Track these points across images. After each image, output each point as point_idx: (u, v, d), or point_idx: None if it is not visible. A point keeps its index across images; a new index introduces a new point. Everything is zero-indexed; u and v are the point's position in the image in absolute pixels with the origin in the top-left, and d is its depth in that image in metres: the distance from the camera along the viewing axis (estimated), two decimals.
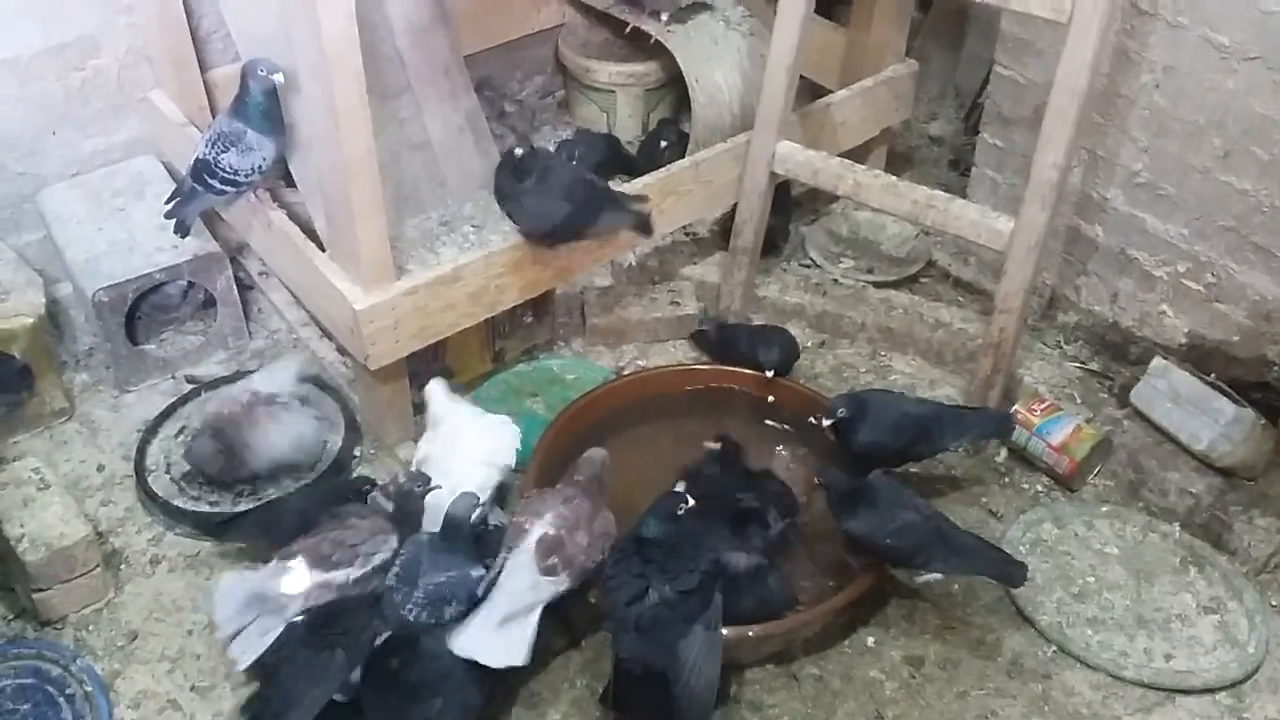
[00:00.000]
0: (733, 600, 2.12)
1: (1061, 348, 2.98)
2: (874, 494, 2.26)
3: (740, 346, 2.78)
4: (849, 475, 2.32)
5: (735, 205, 2.94)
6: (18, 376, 2.65)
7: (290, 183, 2.72)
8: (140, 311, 2.84)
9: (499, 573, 2.11)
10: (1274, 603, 2.39)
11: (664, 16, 3.22)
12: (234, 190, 2.52)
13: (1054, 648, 2.30)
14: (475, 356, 2.82)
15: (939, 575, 2.35)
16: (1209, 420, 2.53)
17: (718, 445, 2.42)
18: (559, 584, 2.12)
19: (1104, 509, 2.57)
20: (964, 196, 2.94)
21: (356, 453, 2.67)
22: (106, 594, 2.34)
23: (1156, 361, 2.66)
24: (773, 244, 3.12)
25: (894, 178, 2.73)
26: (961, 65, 3.84)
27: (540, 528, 2.14)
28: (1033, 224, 2.48)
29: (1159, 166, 2.69)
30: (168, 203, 2.62)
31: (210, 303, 2.90)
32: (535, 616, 2.08)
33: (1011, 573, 2.26)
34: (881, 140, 3.40)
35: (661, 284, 3.10)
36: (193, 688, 2.19)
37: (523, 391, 2.80)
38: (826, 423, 2.45)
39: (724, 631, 2.06)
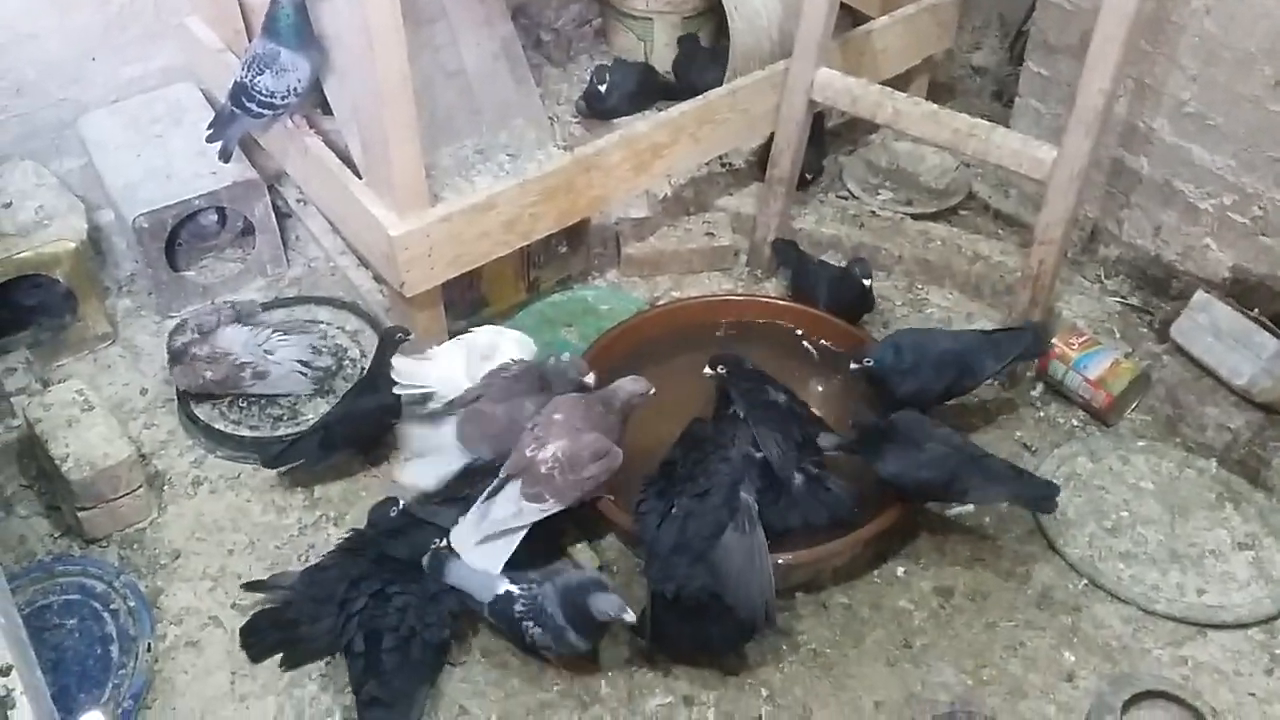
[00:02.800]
0: (797, 505, 2.20)
1: (1102, 282, 2.94)
2: (900, 432, 2.25)
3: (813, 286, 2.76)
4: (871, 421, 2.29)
5: (772, 135, 2.91)
6: (61, 300, 2.70)
7: (327, 110, 2.71)
8: (180, 238, 2.87)
9: (497, 492, 2.16)
10: None
11: None
12: (271, 113, 2.53)
13: (1085, 581, 2.30)
14: (510, 286, 2.83)
15: (970, 507, 2.35)
16: (1250, 355, 2.49)
17: (720, 370, 2.39)
18: (547, 508, 2.16)
19: (1140, 444, 2.55)
20: (1007, 127, 2.88)
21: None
22: (150, 514, 2.40)
23: (1199, 295, 2.61)
24: (805, 176, 3.09)
25: (934, 105, 2.68)
26: None
27: (539, 457, 2.16)
28: (1076, 152, 2.44)
29: (1207, 95, 2.62)
30: (209, 128, 2.63)
31: (249, 230, 2.93)
32: (517, 536, 2.15)
33: (1043, 497, 2.25)
34: (923, 69, 3.34)
35: (696, 215, 3.08)
36: (233, 605, 2.25)
37: (557, 321, 2.81)
38: (854, 368, 2.44)
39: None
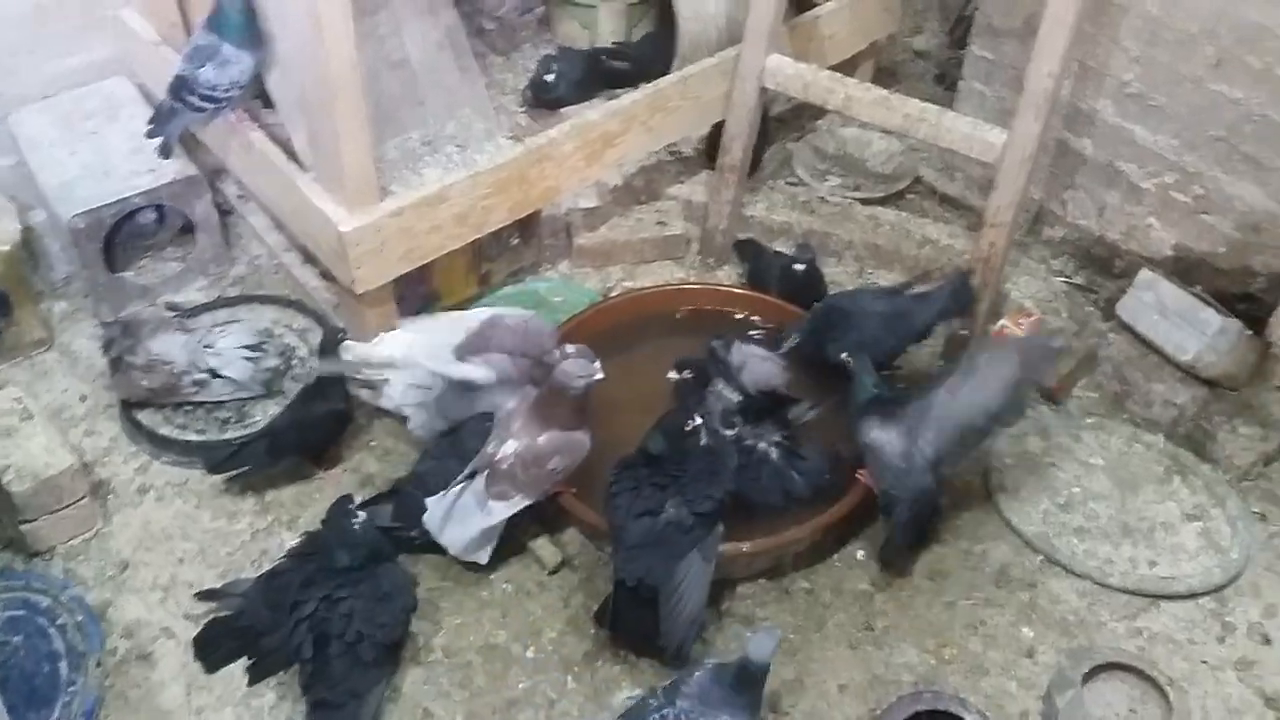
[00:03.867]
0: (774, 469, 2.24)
1: (1047, 262, 2.98)
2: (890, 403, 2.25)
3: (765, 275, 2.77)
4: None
5: (720, 122, 2.90)
6: None
7: (268, 104, 2.65)
8: (118, 238, 2.78)
9: (459, 489, 2.17)
10: (1256, 509, 2.42)
11: None
12: (213, 107, 2.47)
13: (1040, 557, 2.33)
14: (461, 279, 2.79)
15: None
16: (1195, 331, 2.54)
17: (685, 374, 2.39)
18: (514, 505, 2.17)
19: (1089, 421, 2.59)
20: (952, 111, 2.90)
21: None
22: (95, 524, 2.33)
23: (1144, 274, 2.66)
24: (754, 164, 3.09)
25: (884, 91, 2.69)
26: None
27: (501, 454, 2.16)
28: (1026, 136, 2.46)
29: (1150, 76, 2.66)
30: (149, 123, 2.56)
31: (189, 228, 2.85)
32: (494, 530, 2.19)
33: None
34: (869, 54, 3.35)
35: (648, 204, 3.07)
36: (185, 615, 2.20)
37: None
38: (782, 351, 2.44)
39: (719, 548, 2.09)
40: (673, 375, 2.38)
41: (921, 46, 3.75)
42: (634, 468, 2.10)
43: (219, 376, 2.49)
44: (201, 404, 2.51)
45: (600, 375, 2.19)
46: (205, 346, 2.49)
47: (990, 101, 3.07)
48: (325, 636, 1.95)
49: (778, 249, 2.89)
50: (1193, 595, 2.26)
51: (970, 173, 3.13)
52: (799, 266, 2.68)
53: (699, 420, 2.14)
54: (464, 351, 2.38)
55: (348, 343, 2.43)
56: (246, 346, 2.53)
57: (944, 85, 3.52)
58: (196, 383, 2.47)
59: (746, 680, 1.84)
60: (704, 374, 2.39)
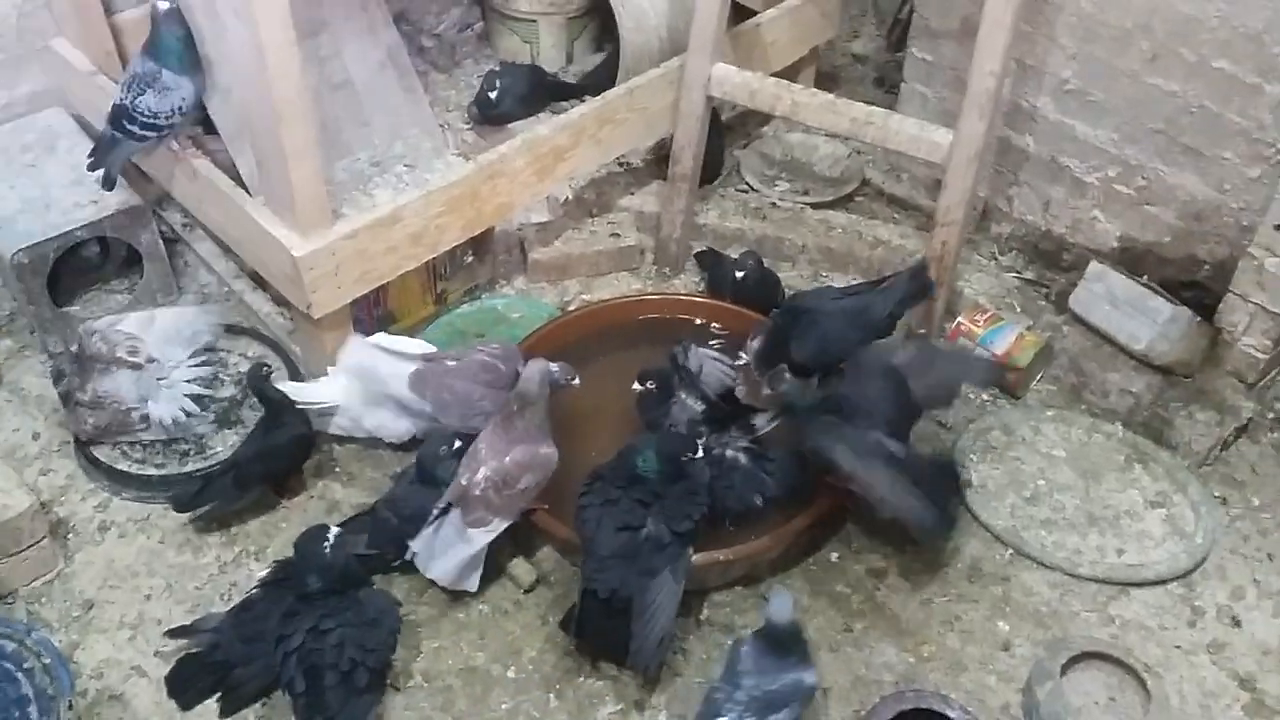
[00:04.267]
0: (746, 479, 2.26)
1: (997, 258, 3.03)
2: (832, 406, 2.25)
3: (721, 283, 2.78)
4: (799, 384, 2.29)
5: (670, 133, 2.91)
6: None
7: (210, 129, 2.61)
8: (62, 272, 2.71)
9: (437, 523, 2.16)
10: (1217, 494, 2.48)
11: None
12: (155, 135, 2.42)
13: (1010, 551, 2.36)
14: (417, 300, 2.77)
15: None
16: (1147, 320, 2.59)
17: (649, 385, 2.38)
18: (494, 529, 2.17)
19: (1049, 413, 2.63)
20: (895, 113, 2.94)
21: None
22: (56, 564, 2.27)
23: (1093, 266, 2.71)
24: (711, 171, 3.10)
25: (831, 96, 2.71)
26: None
27: (472, 482, 2.15)
28: (972, 135, 2.50)
29: (1087, 72, 2.72)
30: (90, 155, 2.51)
31: (134, 259, 2.79)
32: (479, 557, 2.19)
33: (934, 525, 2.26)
34: (810, 60, 3.38)
35: (600, 216, 3.06)
36: (156, 653, 2.15)
37: (468, 333, 2.76)
38: (743, 362, 2.40)
39: (694, 558, 2.09)
40: (636, 387, 2.38)
41: (859, 51, 3.79)
42: (609, 481, 2.09)
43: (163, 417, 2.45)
44: (158, 438, 2.45)
45: (576, 380, 2.26)
46: (156, 388, 2.43)
47: (932, 103, 3.11)
48: (317, 668, 1.91)
49: (735, 257, 2.90)
50: (1161, 581, 2.31)
51: (916, 173, 3.17)
52: (740, 274, 2.70)
53: (699, 454, 2.16)
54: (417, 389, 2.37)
55: (286, 384, 2.42)
56: (195, 382, 2.49)
57: (884, 88, 3.56)
58: (144, 418, 2.42)
59: (782, 641, 1.94)
60: (668, 384, 2.38)
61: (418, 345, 2.47)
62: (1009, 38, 2.42)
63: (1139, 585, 2.30)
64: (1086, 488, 2.47)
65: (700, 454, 2.16)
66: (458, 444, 2.24)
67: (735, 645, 2.00)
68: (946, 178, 2.57)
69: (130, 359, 2.42)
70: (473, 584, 2.21)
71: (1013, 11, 2.39)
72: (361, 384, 2.42)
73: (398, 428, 2.44)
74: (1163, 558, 2.33)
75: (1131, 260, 2.78)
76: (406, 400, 2.38)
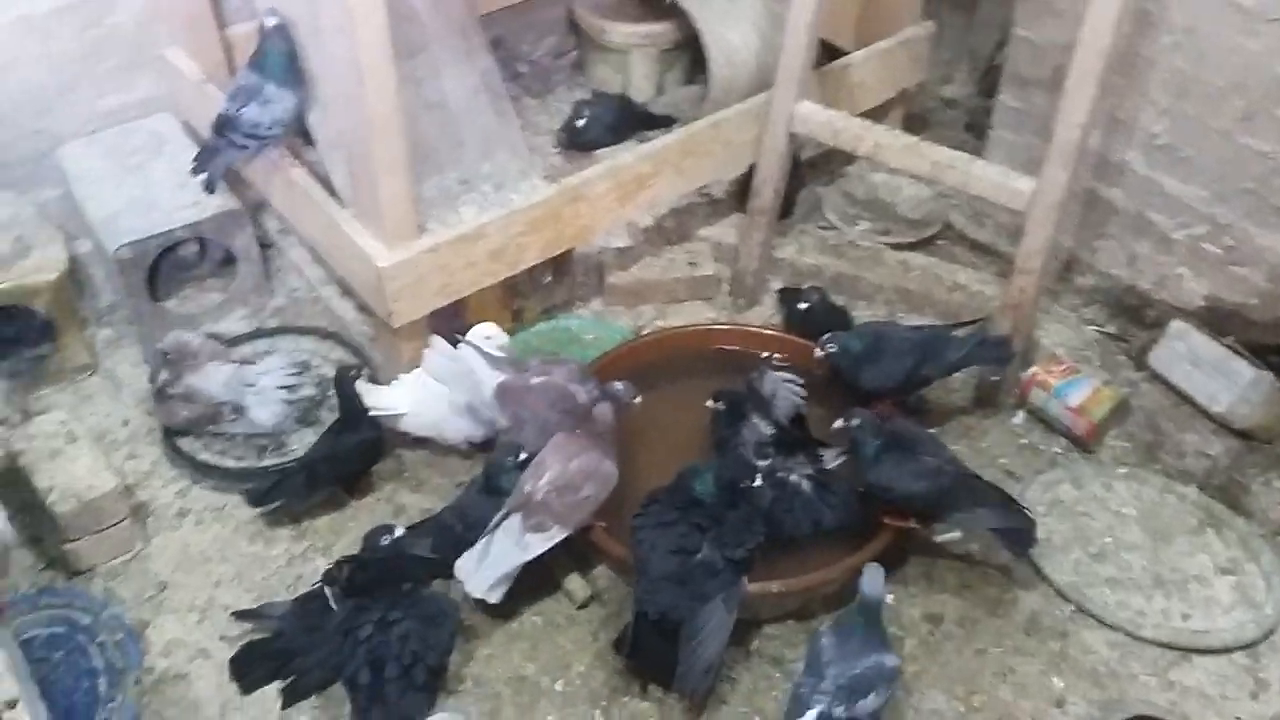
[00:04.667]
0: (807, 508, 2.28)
1: (1078, 311, 2.99)
2: (898, 441, 2.26)
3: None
4: (875, 420, 2.29)
5: (752, 166, 2.94)
6: (40, 331, 2.68)
7: (308, 141, 2.72)
8: (161, 268, 2.84)
9: (498, 527, 2.19)
10: None
11: None
12: (256, 144, 2.53)
13: (1072, 607, 2.32)
14: (495, 315, 2.82)
15: (957, 534, 2.37)
16: (1227, 382, 2.54)
17: (720, 404, 2.43)
18: (552, 537, 2.19)
19: (1122, 470, 2.59)
20: (980, 158, 2.93)
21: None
22: (135, 545, 2.37)
23: (1175, 324, 2.67)
24: (786, 207, 3.13)
25: (914, 138, 2.73)
26: (975, 28, 3.82)
27: (536, 486, 2.19)
28: (1054, 184, 2.49)
29: (1179, 129, 2.69)
30: (194, 161, 2.63)
31: (230, 260, 2.91)
32: (515, 571, 2.20)
33: (1023, 531, 2.28)
34: (898, 102, 3.39)
35: (679, 244, 3.10)
36: (221, 637, 2.22)
37: (542, 351, 2.81)
38: (820, 354, 2.48)
39: (748, 588, 2.10)
40: (710, 404, 2.42)
41: (951, 95, 3.79)
42: (666, 504, 2.12)
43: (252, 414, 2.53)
44: (239, 431, 2.55)
45: (637, 399, 2.34)
46: (246, 385, 2.53)
47: (1019, 150, 3.10)
48: (380, 660, 1.96)
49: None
50: (1226, 650, 2.25)
51: (1000, 219, 3.15)
52: (804, 305, 2.73)
53: (759, 482, 2.19)
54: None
55: (364, 384, 2.48)
56: (284, 387, 2.57)
57: (973, 133, 3.55)
58: (236, 411, 2.51)
59: (871, 617, 2.00)
60: (739, 407, 2.41)
61: (505, 346, 2.51)
62: (1097, 89, 2.40)
63: (1202, 653, 2.24)
64: (1155, 549, 2.43)
65: (759, 482, 2.18)
66: (523, 455, 2.29)
67: (814, 638, 2.04)
68: (1027, 225, 2.56)
69: (222, 358, 2.52)
70: (497, 597, 2.20)
71: (1103, 63, 2.38)
72: (449, 382, 2.47)
73: (462, 429, 2.50)
74: (1229, 626, 2.28)
75: (1216, 320, 2.73)
76: (484, 406, 2.42)
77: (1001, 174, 2.61)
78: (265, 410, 2.53)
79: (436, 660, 2.04)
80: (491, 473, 2.30)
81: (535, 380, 2.41)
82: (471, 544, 2.23)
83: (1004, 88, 3.12)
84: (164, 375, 2.50)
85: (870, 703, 1.96)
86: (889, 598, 2.21)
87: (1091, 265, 3.01)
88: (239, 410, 2.51)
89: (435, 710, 2.05)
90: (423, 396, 2.51)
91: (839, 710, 1.94)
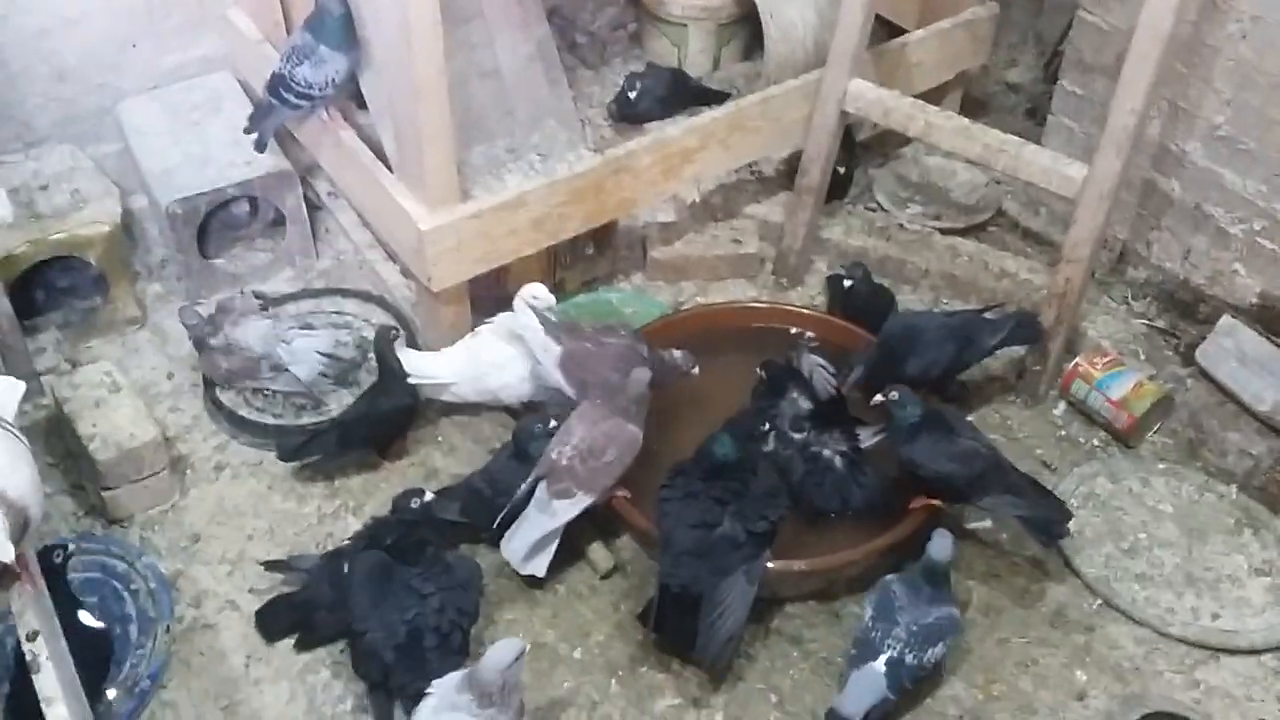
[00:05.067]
0: (836, 486, 2.29)
1: (1129, 303, 2.93)
2: (935, 420, 2.24)
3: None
4: (915, 396, 2.27)
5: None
6: (93, 283, 2.74)
7: (361, 104, 2.74)
8: (212, 226, 2.89)
9: (528, 496, 2.22)
10: None
11: None
12: (308, 104, 2.57)
13: (1099, 601, 2.29)
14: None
15: (988, 522, 2.35)
16: (1274, 381, 2.48)
17: (763, 373, 2.45)
18: (578, 503, 2.21)
19: (1161, 466, 2.54)
20: (1039, 145, 2.88)
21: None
22: (172, 496, 2.43)
23: (1225, 320, 2.60)
24: (840, 188, 3.10)
25: (966, 120, 2.68)
26: (1044, 12, 3.74)
27: (561, 452, 2.21)
28: (1106, 172, 2.43)
29: (1241, 120, 2.61)
30: (248, 120, 2.67)
31: (279, 221, 2.95)
32: (556, 535, 2.23)
33: (1054, 522, 2.25)
34: (957, 84, 3.34)
35: (724, 221, 3.09)
36: (250, 590, 2.27)
37: (580, 321, 2.82)
38: (848, 386, 2.43)
39: (770, 565, 2.10)
40: (759, 372, 2.46)
41: (1015, 79, 3.71)
42: (690, 475, 2.12)
43: (288, 370, 2.57)
44: (279, 389, 2.59)
45: (695, 369, 2.42)
46: (283, 341, 2.57)
47: (1079, 137, 3.03)
48: (418, 630, 1.99)
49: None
50: (1255, 651, 2.21)
51: (1055, 208, 3.09)
52: (847, 282, 2.71)
53: (769, 444, 2.22)
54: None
55: (405, 352, 2.51)
56: (321, 352, 2.60)
57: (1035, 119, 3.48)
58: (274, 368, 2.56)
59: (936, 578, 2.06)
60: (780, 380, 2.42)
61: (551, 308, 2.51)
62: (1155, 75, 2.35)
63: (1231, 653, 2.20)
64: (1189, 547, 2.38)
65: (770, 444, 2.21)
66: (553, 423, 2.31)
67: (885, 585, 2.09)
68: (1076, 213, 2.51)
69: (261, 312, 2.57)
70: (540, 568, 2.24)
71: (1161, 49, 2.32)
72: (518, 345, 2.50)
73: (521, 390, 2.53)
74: (1260, 627, 2.23)
75: (1270, 319, 2.66)
76: (547, 374, 2.44)
77: (1053, 159, 2.56)
78: (302, 368, 2.56)
79: (470, 624, 2.08)
80: (521, 439, 2.33)
81: (591, 346, 2.41)
82: (500, 509, 2.25)
83: (1065, 73, 3.05)
84: (202, 327, 2.55)
85: (938, 651, 2.02)
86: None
87: (1145, 258, 2.94)
88: (277, 368, 2.55)
89: None
90: (476, 362, 2.52)
91: (910, 657, 2.00)
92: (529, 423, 2.35)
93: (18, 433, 1.55)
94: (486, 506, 2.29)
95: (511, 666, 1.83)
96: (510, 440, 2.37)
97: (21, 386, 1.74)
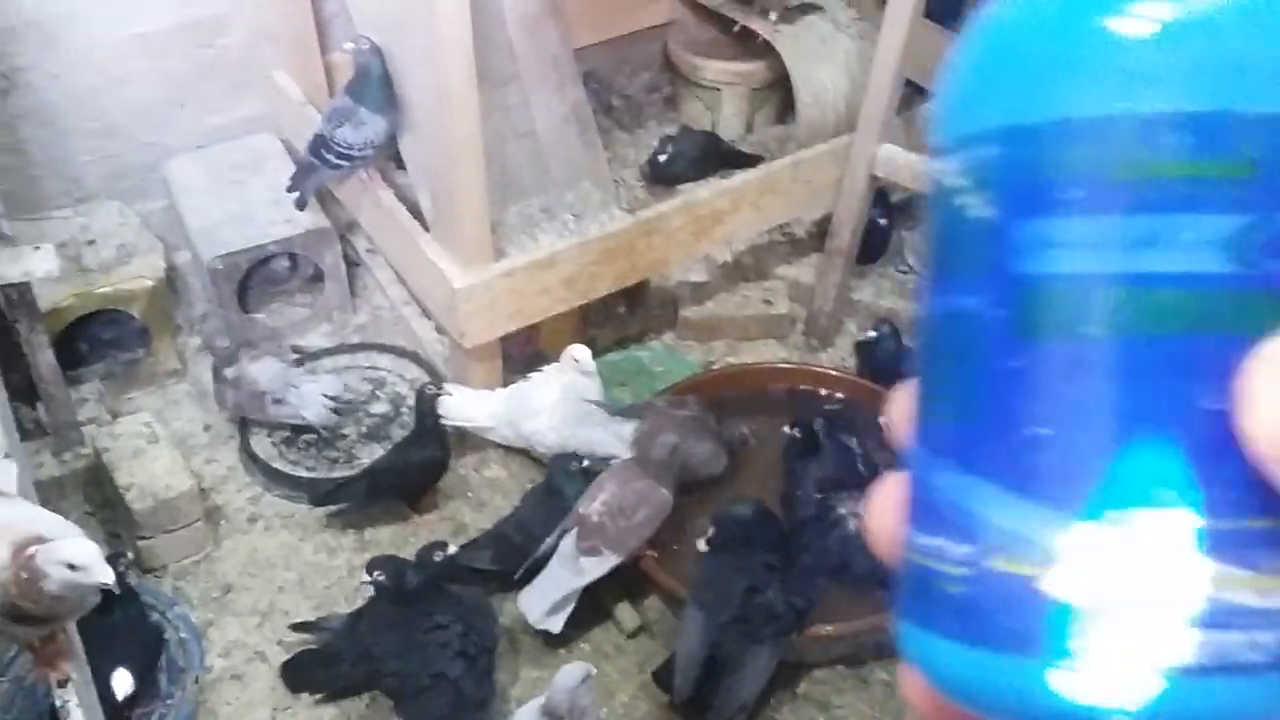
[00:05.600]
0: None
1: None
2: None
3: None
4: None
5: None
6: (135, 336, 2.81)
7: (400, 165, 2.81)
8: (252, 281, 2.96)
9: (553, 549, 2.22)
10: None
11: (773, 16, 3.24)
12: (348, 165, 2.62)
13: None
14: (567, 342, 2.85)
15: None
16: None
17: (796, 431, 2.44)
18: (605, 562, 2.21)
19: None
20: None
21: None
22: (205, 547, 2.45)
23: None
24: (874, 250, 3.11)
25: None
26: None
27: (590, 508, 2.22)
28: None
29: None
30: (289, 179, 2.74)
31: (318, 277, 3.01)
32: (573, 596, 2.22)
33: None
34: None
35: (755, 282, 3.12)
36: (279, 642, 2.29)
37: (611, 380, 2.84)
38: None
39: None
40: (786, 430, 2.46)
41: None
42: (742, 535, 2.12)
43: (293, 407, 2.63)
44: (313, 443, 2.64)
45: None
46: (290, 385, 2.62)
47: None
48: (446, 659, 2.02)
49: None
50: None
51: None
52: (873, 334, 2.70)
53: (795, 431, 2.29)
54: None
55: (447, 396, 2.52)
56: (327, 395, 2.66)
57: None
58: (275, 401, 2.60)
59: None
60: (811, 440, 2.42)
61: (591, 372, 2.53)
62: None
63: None
64: None
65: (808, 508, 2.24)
66: (586, 462, 2.34)
67: None
68: None
69: (276, 353, 2.65)
70: (556, 625, 2.23)
71: None
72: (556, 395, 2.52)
73: (548, 439, 2.53)
74: None
75: None
76: (604, 445, 2.47)
77: None
78: (309, 410, 2.61)
79: (492, 643, 2.11)
80: (554, 473, 2.35)
81: (680, 414, 2.42)
82: (530, 554, 2.26)
83: None
84: (221, 358, 2.62)
85: None
86: None
87: None
88: (279, 403, 2.59)
89: None
90: (514, 407, 2.54)
91: None
92: (563, 460, 2.36)
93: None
94: (517, 552, 2.30)
95: (578, 688, 1.88)
96: (540, 484, 2.38)
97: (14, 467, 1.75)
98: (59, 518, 1.44)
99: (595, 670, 1.96)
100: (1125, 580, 0.25)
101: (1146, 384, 0.25)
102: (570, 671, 1.90)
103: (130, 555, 2.29)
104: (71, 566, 1.35)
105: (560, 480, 2.34)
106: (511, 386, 2.60)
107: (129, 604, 2.09)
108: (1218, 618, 0.25)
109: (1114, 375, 0.26)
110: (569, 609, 2.24)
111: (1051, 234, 0.26)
